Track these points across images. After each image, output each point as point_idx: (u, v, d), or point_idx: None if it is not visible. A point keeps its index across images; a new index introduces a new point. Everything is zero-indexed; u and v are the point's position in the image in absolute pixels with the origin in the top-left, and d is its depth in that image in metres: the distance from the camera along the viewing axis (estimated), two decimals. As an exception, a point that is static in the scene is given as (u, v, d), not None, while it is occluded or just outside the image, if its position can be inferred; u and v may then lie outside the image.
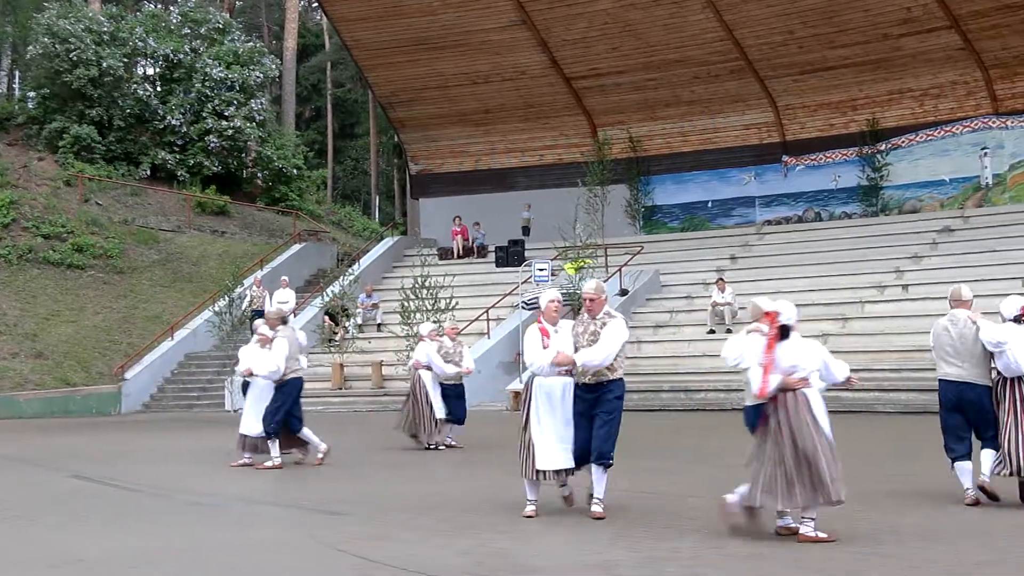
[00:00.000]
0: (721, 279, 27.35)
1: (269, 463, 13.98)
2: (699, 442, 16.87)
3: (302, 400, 14.49)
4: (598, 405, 9.39)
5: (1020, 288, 24.20)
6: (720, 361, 25.87)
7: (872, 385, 22.32)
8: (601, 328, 9.39)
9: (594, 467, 9.38)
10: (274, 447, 14.05)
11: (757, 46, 32.11)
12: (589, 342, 9.34)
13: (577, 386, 9.53)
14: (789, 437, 8.31)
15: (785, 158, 33.05)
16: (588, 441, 9.38)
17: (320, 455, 14.35)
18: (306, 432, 14.30)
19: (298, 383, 14.18)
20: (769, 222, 33.06)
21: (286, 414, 13.99)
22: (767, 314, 8.54)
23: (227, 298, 28.43)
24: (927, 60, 30.45)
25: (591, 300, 9.56)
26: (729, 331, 26.25)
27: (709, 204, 34.19)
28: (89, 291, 31.06)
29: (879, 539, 8.39)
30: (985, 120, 30.17)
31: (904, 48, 30.49)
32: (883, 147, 31.61)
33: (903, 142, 31.40)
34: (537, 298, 27.42)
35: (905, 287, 26.46)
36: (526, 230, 34.73)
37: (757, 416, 8.71)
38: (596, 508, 9.37)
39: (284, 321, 14.62)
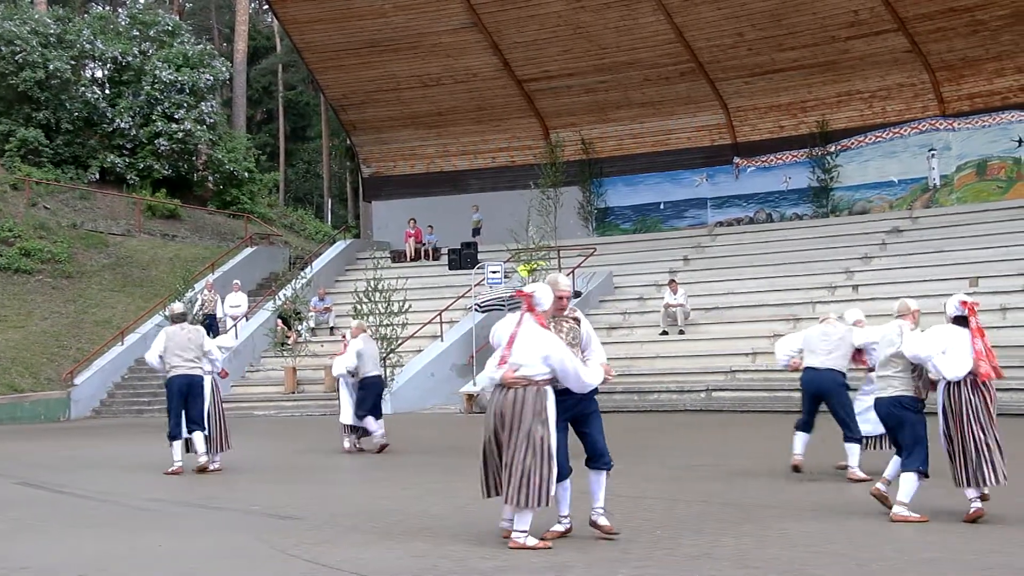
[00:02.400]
0: (674, 280, 27.47)
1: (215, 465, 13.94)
2: (652, 443, 16.92)
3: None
4: (587, 405, 8.56)
5: (966, 288, 24.56)
6: (675, 362, 25.94)
7: (823, 385, 22.49)
8: (579, 327, 8.64)
9: (599, 474, 8.55)
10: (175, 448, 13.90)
11: (707, 48, 32.31)
12: (569, 344, 8.49)
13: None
14: (987, 417, 9.09)
15: (736, 160, 33.28)
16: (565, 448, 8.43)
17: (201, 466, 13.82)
18: (175, 445, 13.89)
19: (171, 382, 13.88)
20: (721, 223, 33.28)
21: (169, 411, 13.85)
22: (965, 303, 9.27)
23: (178, 302, 28.14)
24: (875, 63, 30.79)
25: (567, 298, 8.68)
26: (682, 332, 26.41)
27: (661, 206, 34.35)
28: (37, 296, 30.68)
29: (828, 537, 8.45)
30: (932, 122, 30.55)
31: (852, 51, 30.81)
32: (833, 149, 31.93)
33: (852, 144, 31.73)
34: (493, 300, 27.56)
35: (855, 287, 26.73)
36: (476, 231, 34.72)
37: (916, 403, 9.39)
38: (606, 520, 8.56)
39: (176, 319, 14.34)
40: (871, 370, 12.05)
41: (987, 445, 9.03)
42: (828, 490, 11.10)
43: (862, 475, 11.62)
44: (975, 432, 9.04)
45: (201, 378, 13.89)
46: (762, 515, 9.54)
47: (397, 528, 9.20)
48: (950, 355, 9.13)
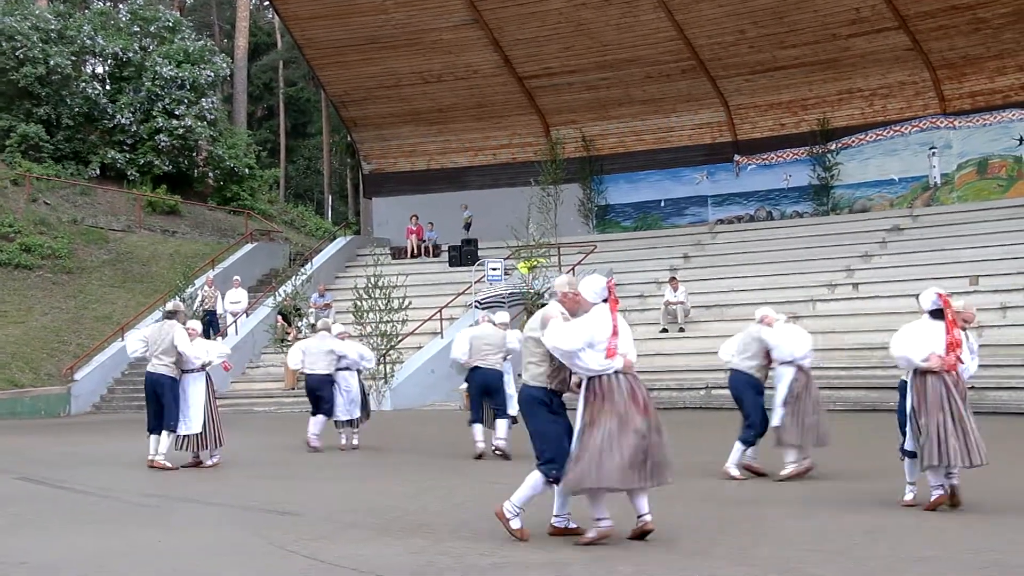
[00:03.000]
0: (674, 278, 27.48)
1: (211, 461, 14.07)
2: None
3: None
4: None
5: (967, 287, 24.57)
6: (675, 360, 25.95)
7: (822, 383, 22.46)
8: None
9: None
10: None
11: (708, 46, 32.30)
12: None
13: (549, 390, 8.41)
14: (960, 401, 9.37)
15: (737, 157, 33.27)
16: None
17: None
18: (150, 438, 14.04)
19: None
20: (721, 221, 33.27)
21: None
22: (941, 295, 9.61)
23: (178, 298, 28.18)
24: (876, 60, 30.78)
25: None
26: (682, 329, 26.41)
27: (662, 203, 34.35)
28: (37, 291, 30.70)
29: (825, 535, 8.46)
30: (933, 120, 30.55)
31: (853, 48, 30.80)
32: (833, 147, 31.92)
33: (853, 142, 31.73)
34: (494, 296, 27.54)
35: (855, 286, 26.72)
36: (467, 227, 34.77)
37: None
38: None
39: (166, 315, 14.62)
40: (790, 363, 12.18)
41: (949, 429, 9.22)
42: (825, 488, 11.11)
43: (736, 474, 11.81)
44: (939, 416, 9.25)
45: (165, 376, 13.84)
46: (760, 513, 9.56)
47: (395, 524, 9.21)
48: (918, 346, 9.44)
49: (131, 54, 39.88)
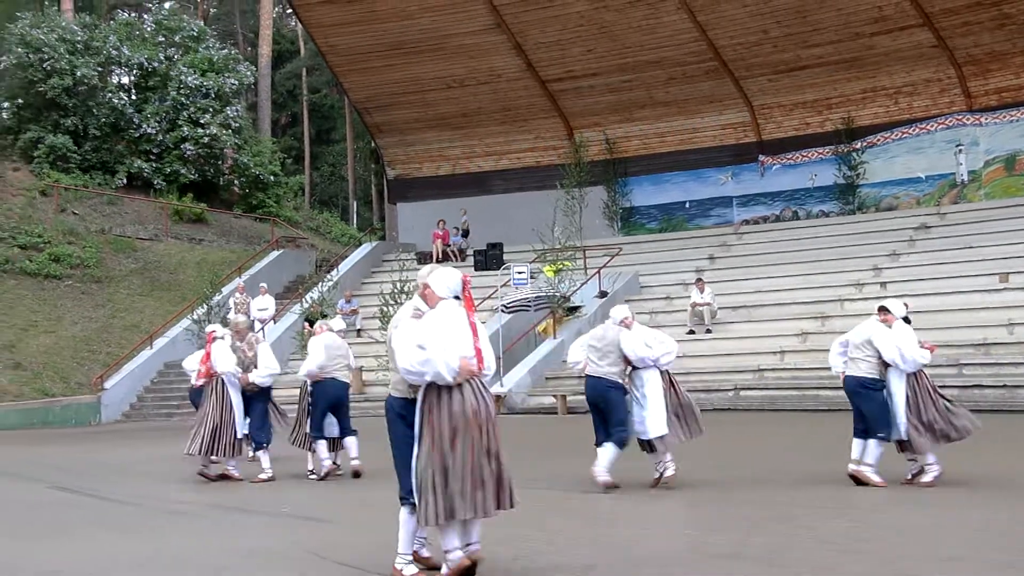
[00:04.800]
0: (700, 279, 27.41)
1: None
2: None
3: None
4: None
5: (997, 284, 24.43)
6: (702, 362, 25.74)
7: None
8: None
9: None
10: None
11: (732, 46, 32.24)
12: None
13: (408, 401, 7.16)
14: None
15: (762, 158, 33.18)
16: None
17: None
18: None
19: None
20: (747, 222, 33.18)
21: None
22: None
23: (205, 306, 28.35)
24: (900, 58, 30.64)
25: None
26: (709, 331, 26.34)
27: (687, 205, 34.29)
28: (67, 301, 30.93)
29: (855, 535, 8.43)
30: (959, 117, 30.37)
31: (877, 47, 30.68)
32: (859, 145, 31.80)
33: (878, 140, 31.59)
34: (520, 300, 27.58)
35: (883, 284, 26.58)
36: (465, 234, 34.90)
37: None
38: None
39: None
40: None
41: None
42: (853, 488, 11.06)
43: (607, 478, 11.03)
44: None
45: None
46: (790, 513, 9.52)
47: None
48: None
49: (156, 64, 40.15)
